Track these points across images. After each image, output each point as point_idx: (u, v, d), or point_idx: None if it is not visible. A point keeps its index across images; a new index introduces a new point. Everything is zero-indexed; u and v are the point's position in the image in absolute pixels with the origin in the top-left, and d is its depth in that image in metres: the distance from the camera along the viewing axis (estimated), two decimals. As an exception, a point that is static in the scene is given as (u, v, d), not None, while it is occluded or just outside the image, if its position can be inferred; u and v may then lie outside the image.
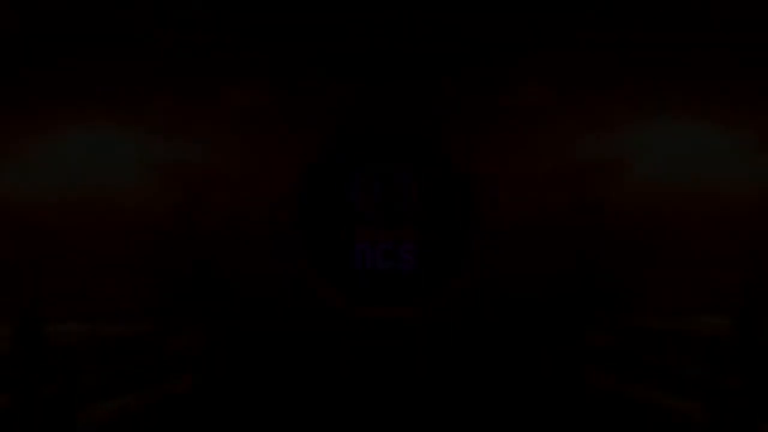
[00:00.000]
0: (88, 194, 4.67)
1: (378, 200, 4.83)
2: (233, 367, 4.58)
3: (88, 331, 3.68)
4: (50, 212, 4.64)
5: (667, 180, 4.66)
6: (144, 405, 3.49)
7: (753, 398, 2.89)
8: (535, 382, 4.55)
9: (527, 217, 4.68)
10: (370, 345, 4.66)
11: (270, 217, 4.70)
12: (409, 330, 4.69)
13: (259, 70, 4.78)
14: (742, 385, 2.94)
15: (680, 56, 4.71)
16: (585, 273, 4.62)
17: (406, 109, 4.83)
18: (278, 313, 4.65)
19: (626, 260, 4.63)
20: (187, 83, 4.74)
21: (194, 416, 4.02)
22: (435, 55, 4.77)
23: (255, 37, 4.68)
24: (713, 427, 3.00)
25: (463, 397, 4.48)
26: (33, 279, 4.52)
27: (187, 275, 4.62)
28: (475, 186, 4.74)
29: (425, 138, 4.88)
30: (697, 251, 4.61)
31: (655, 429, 3.40)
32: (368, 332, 4.67)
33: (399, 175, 4.86)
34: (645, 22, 4.61)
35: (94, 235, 4.65)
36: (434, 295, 4.74)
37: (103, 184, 4.68)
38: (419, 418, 4.27)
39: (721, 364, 3.09)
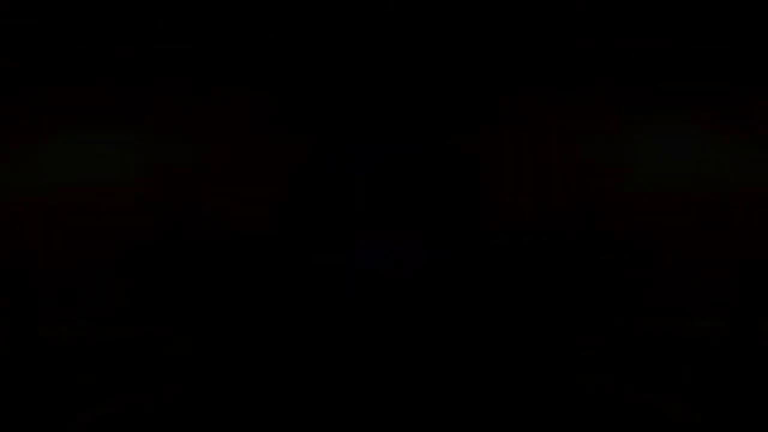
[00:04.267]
0: (80, 194, 4.62)
1: (380, 200, 4.79)
2: (226, 371, 4.54)
3: (81, 333, 3.64)
4: (42, 213, 4.58)
5: (666, 182, 4.67)
6: (137, 408, 3.45)
7: (748, 399, 2.90)
8: (530, 383, 4.54)
9: (526, 219, 4.67)
10: (368, 341, 4.64)
11: (264, 216, 4.67)
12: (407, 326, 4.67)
13: (254, 69, 4.74)
14: (738, 386, 2.95)
15: (679, 58, 4.72)
16: (581, 275, 4.62)
17: (410, 105, 4.80)
18: (273, 313, 4.61)
19: (623, 262, 4.63)
20: (183, 85, 4.69)
21: (186, 420, 3.98)
22: (439, 59, 4.75)
23: (250, 36, 4.64)
24: (709, 430, 3.01)
25: (457, 398, 4.46)
26: (25, 281, 4.46)
27: (180, 278, 4.57)
28: (483, 184, 4.71)
29: (431, 133, 4.84)
30: (694, 253, 4.62)
31: (650, 431, 3.40)
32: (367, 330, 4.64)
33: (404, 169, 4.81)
34: (640, 25, 4.61)
35: (86, 236, 4.59)
36: (437, 300, 4.71)
37: (95, 184, 4.63)
38: (415, 418, 4.25)
39: (717, 366, 3.09)
